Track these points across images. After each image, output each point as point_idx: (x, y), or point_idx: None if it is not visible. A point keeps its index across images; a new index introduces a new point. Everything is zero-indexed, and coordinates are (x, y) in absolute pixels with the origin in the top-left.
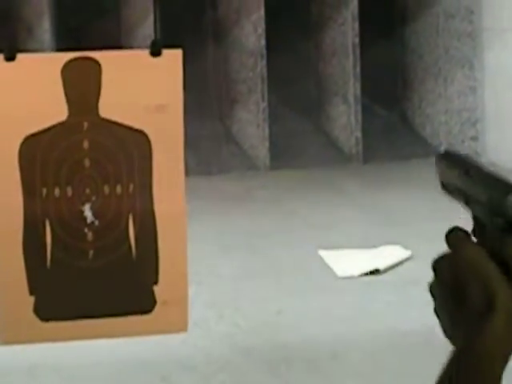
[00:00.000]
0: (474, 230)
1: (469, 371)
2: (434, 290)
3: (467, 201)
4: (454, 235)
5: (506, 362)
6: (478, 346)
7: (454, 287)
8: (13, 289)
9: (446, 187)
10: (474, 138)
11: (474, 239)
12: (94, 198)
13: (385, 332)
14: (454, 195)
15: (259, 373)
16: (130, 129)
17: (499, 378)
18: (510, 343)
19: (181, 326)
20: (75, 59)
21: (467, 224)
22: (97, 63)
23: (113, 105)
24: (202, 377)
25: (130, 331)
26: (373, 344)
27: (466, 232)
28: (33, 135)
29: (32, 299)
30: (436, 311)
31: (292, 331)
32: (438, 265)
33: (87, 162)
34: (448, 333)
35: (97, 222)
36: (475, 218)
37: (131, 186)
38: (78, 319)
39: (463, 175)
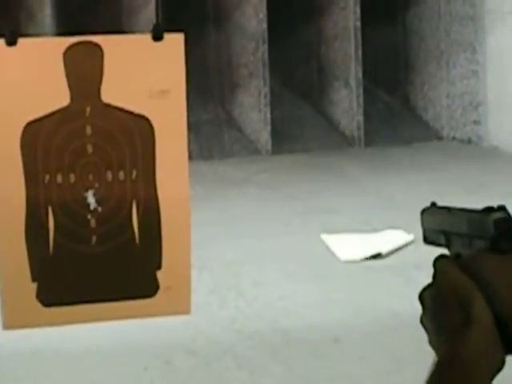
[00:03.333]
0: None
1: (451, 381)
2: (424, 299)
3: (448, 239)
4: (438, 260)
5: (489, 373)
6: (457, 358)
7: (437, 303)
8: (15, 275)
9: (428, 237)
10: (476, 122)
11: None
12: (96, 185)
13: (387, 316)
14: (436, 239)
15: (261, 357)
16: (133, 114)
17: None
18: (488, 355)
19: (184, 310)
20: (77, 43)
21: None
22: (98, 47)
23: (115, 90)
24: (204, 361)
25: (132, 314)
26: (375, 328)
27: (448, 258)
28: (35, 121)
29: (34, 286)
30: (422, 322)
31: (294, 315)
32: (423, 293)
33: (90, 148)
34: (433, 343)
35: (100, 209)
36: (456, 256)
37: (134, 172)
38: (81, 304)
39: (445, 214)
